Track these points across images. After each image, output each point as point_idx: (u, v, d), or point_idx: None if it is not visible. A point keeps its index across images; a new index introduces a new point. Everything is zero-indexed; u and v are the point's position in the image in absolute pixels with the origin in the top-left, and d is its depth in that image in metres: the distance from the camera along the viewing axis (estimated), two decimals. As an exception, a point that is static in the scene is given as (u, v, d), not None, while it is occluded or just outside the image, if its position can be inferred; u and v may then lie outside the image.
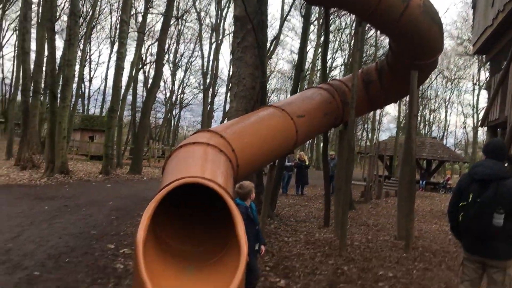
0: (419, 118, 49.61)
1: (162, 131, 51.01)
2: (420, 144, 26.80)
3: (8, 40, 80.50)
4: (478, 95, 48.60)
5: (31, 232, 7.46)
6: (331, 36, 34.98)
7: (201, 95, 44.18)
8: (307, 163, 18.19)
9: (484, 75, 43.00)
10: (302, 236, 8.86)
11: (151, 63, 38.28)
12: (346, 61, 39.07)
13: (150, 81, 29.63)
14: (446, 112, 56.45)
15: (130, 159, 26.25)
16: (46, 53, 20.77)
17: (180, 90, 50.15)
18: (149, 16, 33.21)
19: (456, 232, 4.21)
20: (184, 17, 40.16)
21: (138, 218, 9.59)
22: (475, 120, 48.00)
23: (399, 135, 32.42)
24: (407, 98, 8.94)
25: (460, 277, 4.17)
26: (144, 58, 37.34)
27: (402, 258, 7.47)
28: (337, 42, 40.74)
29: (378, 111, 45.28)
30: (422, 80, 8.87)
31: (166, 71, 46.51)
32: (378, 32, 22.51)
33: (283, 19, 30.20)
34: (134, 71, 28.80)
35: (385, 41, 35.72)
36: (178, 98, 50.12)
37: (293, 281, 5.83)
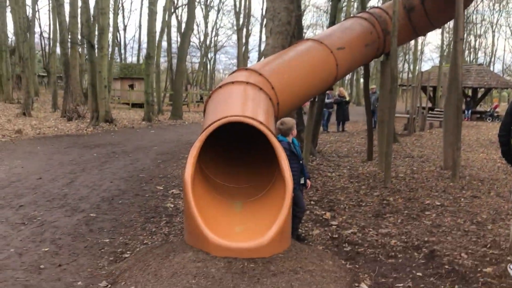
0: (464, 44, 47.23)
1: (199, 75, 51.03)
2: (466, 72, 25.65)
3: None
4: (529, 16, 45.47)
5: (83, 178, 7.81)
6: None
7: (235, 36, 43.48)
8: (347, 99, 17.86)
9: (536, -7, 39.95)
10: (345, 171, 8.87)
11: (183, 7, 37.70)
12: (384, -11, 37.15)
13: (183, 25, 29.30)
14: (493, 36, 53.45)
15: (170, 105, 26.58)
16: (79, 3, 20.79)
17: (213, 32, 49.52)
18: (177, -43, 32.32)
19: (508, 156, 4.03)
20: (214, -45, 38.80)
21: (183, 160, 9.84)
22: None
23: (443, 65, 31.09)
24: (451, 23, 8.47)
25: None
26: (176, 1, 36.76)
27: (449, 187, 7.39)
28: (373, -30, 38.62)
29: (419, 41, 43.38)
30: (469, 1, 8.34)
31: (199, 13, 45.84)
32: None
33: (316, -51, 28.72)
34: (167, 16, 28.49)
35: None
36: (212, 41, 49.63)
37: (339, 213, 5.90)
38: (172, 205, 6.19)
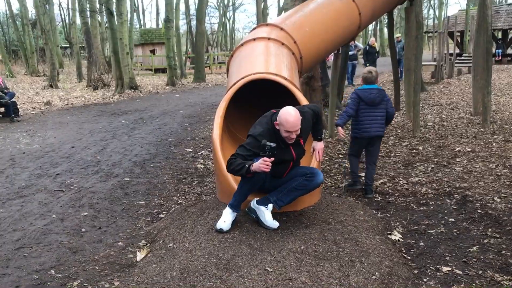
0: (492, -15, 45.06)
1: (219, 36, 50.54)
2: (495, 13, 24.59)
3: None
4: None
5: (114, 144, 7.99)
6: None
7: (253, -7, 42.59)
8: (377, 50, 17.33)
9: None
10: (372, 123, 8.77)
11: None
12: None
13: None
14: (524, -26, 50.55)
15: (193, 68, 26.54)
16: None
17: (231, -9, 48.63)
18: None
19: None
20: None
21: (209, 123, 9.93)
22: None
23: (470, 8, 29.81)
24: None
25: None
26: (190, -38, 35.99)
27: (480, 133, 7.26)
28: None
29: (445, -16, 41.60)
30: None
31: (215, -28, 44.87)
32: None
33: None
34: (182, -23, 28.02)
35: None
36: (231, 0, 48.80)
37: (368, 165, 5.89)
38: (203, 166, 6.31)
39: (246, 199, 3.60)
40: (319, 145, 3.90)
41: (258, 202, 3.63)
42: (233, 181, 3.90)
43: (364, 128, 4.74)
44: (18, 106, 11.74)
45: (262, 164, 3.25)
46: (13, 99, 11.39)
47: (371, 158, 4.85)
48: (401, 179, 5.25)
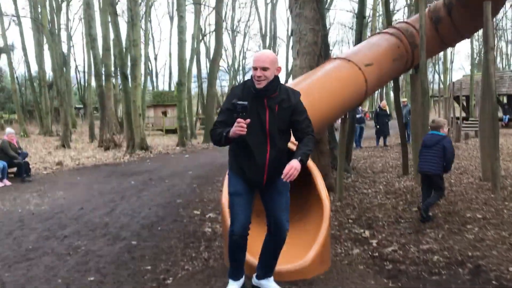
0: (495, 52, 46.22)
1: (229, 98, 51.64)
2: (499, 79, 25.09)
3: (76, 30, 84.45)
4: (562, 17, 44.14)
5: (123, 206, 8.01)
6: (391, -23, 33.05)
7: (262, 58, 44.00)
8: (388, 113, 17.49)
9: None
10: (381, 187, 8.77)
11: (211, 33, 38.52)
12: (409, 2, 36.91)
13: (211, 51, 29.91)
14: (525, 41, 51.99)
15: (203, 129, 26.98)
16: (111, 36, 21.59)
17: (241, 56, 50.32)
18: (202, -15, 33.17)
19: None
20: (237, -19, 39.70)
21: (218, 183, 9.96)
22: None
23: (474, 73, 30.45)
24: (481, 32, 8.36)
25: None
26: (203, 29, 37.61)
27: (490, 199, 7.19)
28: (397, -17, 38.53)
29: (449, 50, 42.70)
30: (496, 10, 8.24)
31: (226, 38, 46.67)
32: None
33: (338, -33, 29.18)
34: (195, 43, 29.19)
35: (451, -27, 33.29)
36: (240, 64, 50.37)
37: (377, 231, 5.83)
38: (210, 229, 6.27)
39: (239, 240, 3.49)
40: (294, 163, 3.25)
41: (257, 277, 3.68)
42: (241, 248, 3.86)
43: (419, 165, 6.32)
44: (30, 166, 11.92)
45: (236, 127, 3.13)
46: (26, 159, 11.58)
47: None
48: (411, 246, 5.17)
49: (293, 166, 3.23)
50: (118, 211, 7.57)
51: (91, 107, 28.64)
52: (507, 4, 40.06)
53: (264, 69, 3.29)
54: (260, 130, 3.38)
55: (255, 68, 3.32)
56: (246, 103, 3.15)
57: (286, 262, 3.87)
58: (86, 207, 7.90)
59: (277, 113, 3.38)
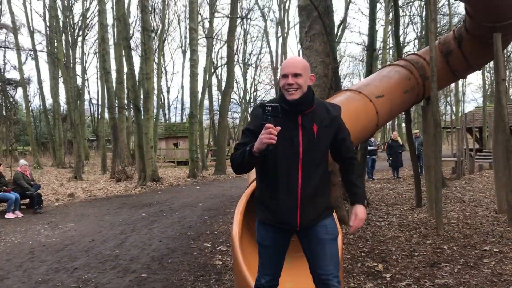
0: (508, 83, 46.16)
1: (240, 129, 52.00)
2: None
3: (90, 64, 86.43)
4: None
5: (133, 238, 7.97)
6: (400, 10, 33.57)
7: (273, 91, 44.55)
8: (401, 143, 17.46)
9: None
10: (394, 219, 8.64)
11: (223, 66, 39.13)
12: (419, 34, 37.31)
13: (223, 83, 30.31)
14: (537, 72, 51.88)
15: (214, 160, 27.06)
16: (125, 70, 22.03)
17: (252, 88, 50.86)
18: (215, 20, 33.98)
19: None
20: (249, 16, 40.57)
21: (229, 216, 9.90)
22: None
23: (487, 104, 30.35)
24: (492, 63, 8.37)
25: None
26: (215, 62, 38.24)
27: (507, 232, 7.04)
28: (407, 17, 39.06)
29: (460, 82, 42.75)
30: (507, 42, 8.26)
31: (237, 71, 47.38)
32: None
33: (348, 1, 29.77)
34: (207, 75, 29.65)
35: (459, 7, 33.68)
36: (252, 96, 50.85)
37: (391, 264, 5.71)
38: (221, 262, 6.19)
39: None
40: (359, 211, 2.83)
41: None
42: (252, 282, 3.80)
43: None
44: (43, 198, 11.98)
45: (264, 134, 2.45)
46: (38, 191, 11.66)
47: None
48: (426, 280, 5.04)
49: (360, 217, 2.79)
50: (128, 243, 7.53)
51: (104, 139, 28.95)
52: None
53: (296, 75, 2.68)
54: (292, 156, 2.72)
55: (285, 76, 2.71)
56: (278, 104, 2.50)
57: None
58: (97, 239, 7.88)
59: (316, 135, 2.73)
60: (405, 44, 41.72)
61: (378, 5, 33.59)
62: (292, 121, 2.70)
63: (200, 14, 34.11)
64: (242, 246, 4.14)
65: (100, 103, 34.14)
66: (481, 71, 30.35)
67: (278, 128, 2.47)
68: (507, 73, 44.65)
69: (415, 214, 9.05)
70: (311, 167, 2.74)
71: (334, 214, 3.04)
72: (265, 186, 2.82)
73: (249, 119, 2.95)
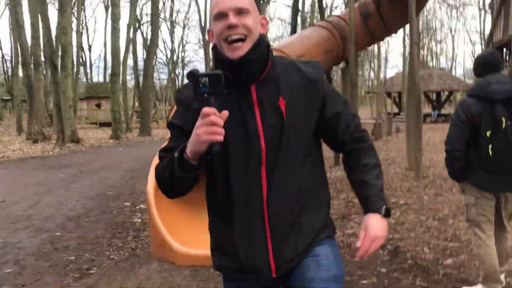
0: (425, 50, 48.77)
1: (168, 91, 50.93)
2: (428, 77, 26.47)
3: (2, 16, 79.71)
4: (484, 20, 47.28)
5: (49, 198, 7.67)
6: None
7: (202, 51, 43.82)
8: None
9: (489, -2, 41.59)
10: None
11: (148, 23, 37.72)
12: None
13: (149, 42, 29.28)
14: (453, 42, 55.35)
15: (139, 122, 26.41)
16: (40, 24, 20.53)
17: (180, 48, 49.67)
18: (139, -26, 32.33)
19: (459, 173, 3.29)
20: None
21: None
22: (483, 47, 46.97)
23: (406, 70, 31.94)
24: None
25: (471, 219, 3.34)
26: (140, 19, 36.75)
27: (413, 187, 7.58)
28: (334, -19, 39.63)
29: (383, 48, 44.43)
30: (421, 7, 8.65)
31: (164, 30, 45.91)
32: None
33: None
34: (131, 33, 28.41)
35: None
36: (180, 57, 49.74)
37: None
38: (140, 220, 6.15)
39: None
40: (372, 221, 1.66)
41: None
42: (166, 233, 3.82)
43: None
44: None
45: (201, 127, 1.33)
46: None
47: None
48: (337, 231, 5.33)
49: (373, 234, 1.61)
50: (43, 204, 7.24)
51: (19, 99, 27.16)
52: (436, 4, 42.13)
53: (241, 11, 1.50)
54: (248, 156, 1.53)
55: (220, 15, 1.53)
56: (220, 72, 1.35)
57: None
58: (8, 200, 7.50)
59: (286, 114, 1.54)
60: (333, 8, 42.38)
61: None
62: (242, 96, 1.53)
63: (123, -33, 32.38)
64: (158, 200, 4.12)
65: (13, 59, 31.75)
66: (402, 37, 31.65)
67: (225, 112, 1.34)
68: (426, 41, 47.07)
69: (333, 172, 9.47)
70: (285, 171, 1.56)
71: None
72: (216, 215, 1.68)
73: (178, 82, 1.65)
